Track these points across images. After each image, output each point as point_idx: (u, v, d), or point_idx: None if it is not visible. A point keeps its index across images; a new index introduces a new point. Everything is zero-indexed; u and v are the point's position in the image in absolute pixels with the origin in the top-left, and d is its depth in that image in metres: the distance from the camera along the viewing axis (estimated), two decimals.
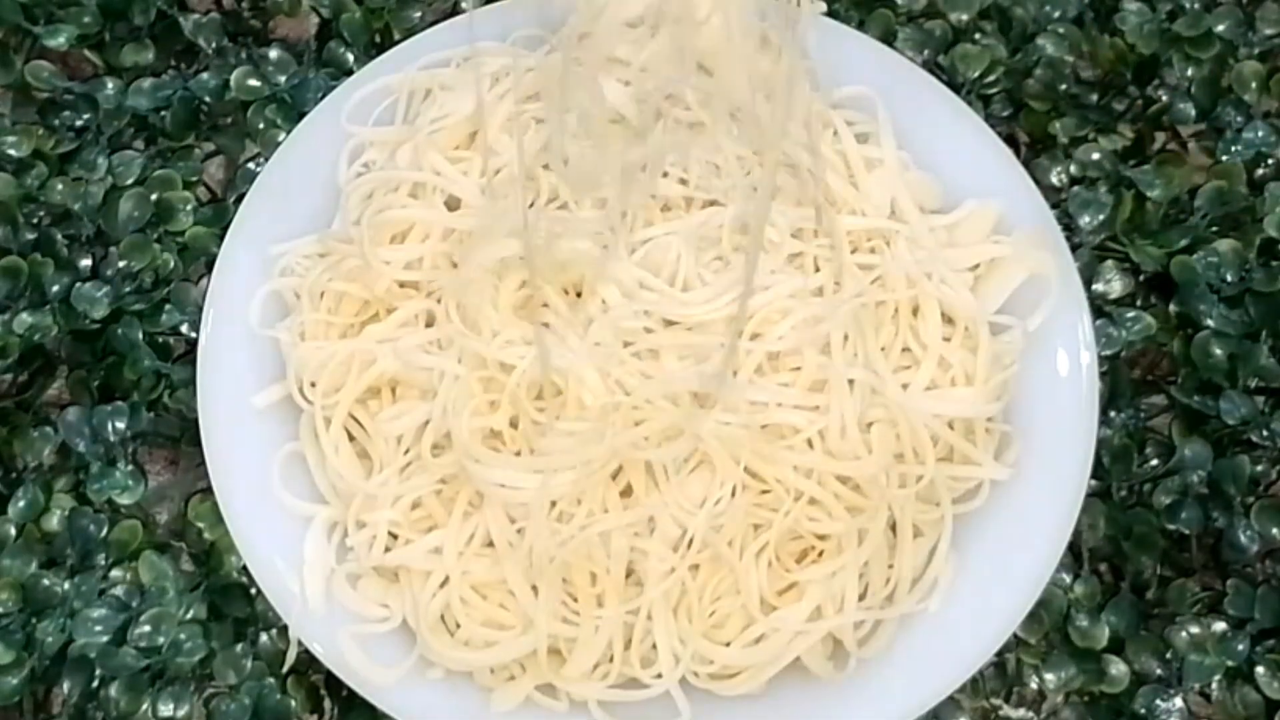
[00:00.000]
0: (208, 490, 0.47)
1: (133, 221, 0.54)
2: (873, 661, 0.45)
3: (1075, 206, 0.55)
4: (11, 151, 0.56)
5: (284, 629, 0.47)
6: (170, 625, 0.49)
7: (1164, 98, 0.57)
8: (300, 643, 0.46)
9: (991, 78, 0.57)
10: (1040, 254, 0.49)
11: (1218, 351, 0.52)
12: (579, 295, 0.46)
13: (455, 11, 0.58)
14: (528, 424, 0.44)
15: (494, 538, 0.44)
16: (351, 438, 0.47)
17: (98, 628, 0.49)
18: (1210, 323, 0.53)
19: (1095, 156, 0.56)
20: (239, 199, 0.51)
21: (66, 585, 0.49)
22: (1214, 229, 0.55)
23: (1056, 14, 0.58)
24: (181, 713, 0.48)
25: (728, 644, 0.44)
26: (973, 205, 0.50)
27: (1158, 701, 0.48)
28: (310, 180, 0.51)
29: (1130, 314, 0.53)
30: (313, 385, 0.47)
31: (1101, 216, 0.55)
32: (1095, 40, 0.58)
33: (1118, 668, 0.48)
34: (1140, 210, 0.55)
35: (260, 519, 0.46)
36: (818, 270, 0.47)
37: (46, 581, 0.49)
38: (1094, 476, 0.48)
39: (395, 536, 0.46)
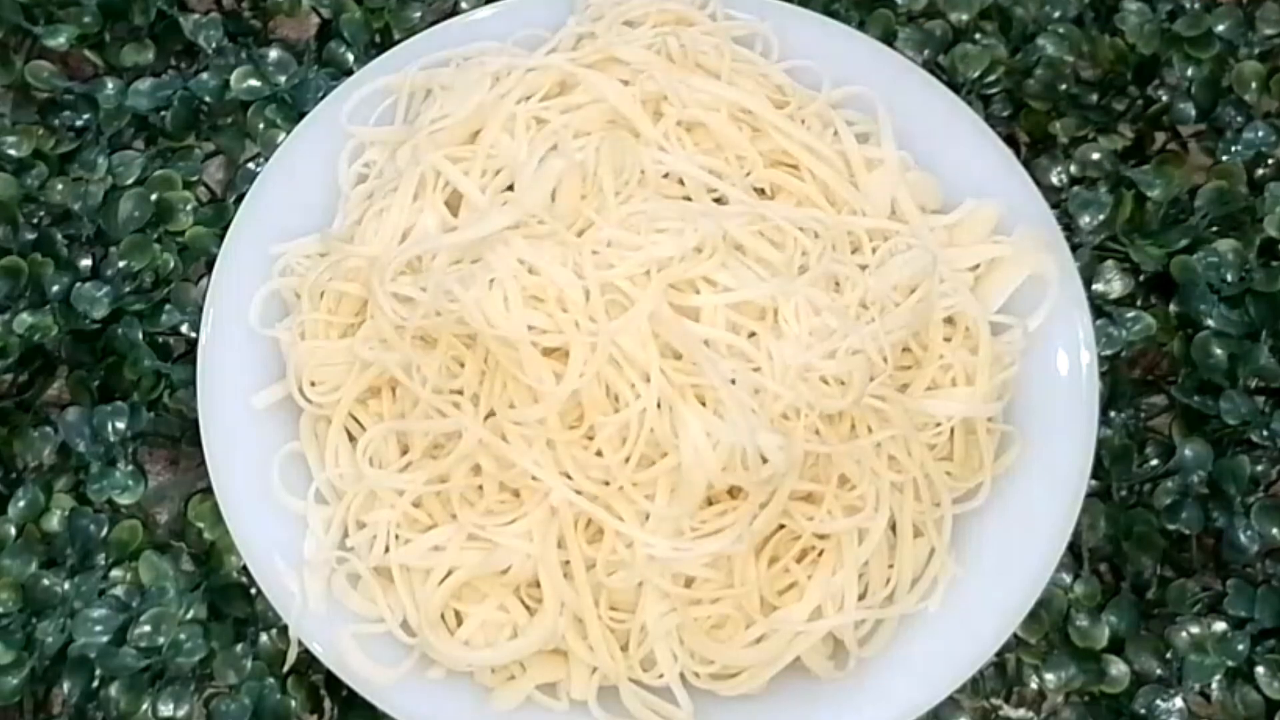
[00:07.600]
0: (208, 490, 0.47)
1: (133, 221, 0.54)
2: (873, 661, 0.45)
3: (1075, 206, 0.55)
4: (11, 151, 0.56)
5: (284, 629, 0.47)
6: (170, 625, 0.49)
7: (1164, 98, 0.57)
8: (300, 643, 0.46)
9: (991, 78, 0.57)
10: (1040, 254, 0.49)
11: (1218, 351, 0.52)
12: None
13: (455, 11, 0.58)
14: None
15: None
16: (352, 438, 0.47)
17: (98, 628, 0.49)
18: (1210, 323, 0.53)
19: (1095, 156, 0.56)
20: (239, 199, 0.51)
21: (66, 585, 0.49)
22: (1214, 229, 0.55)
23: (1056, 14, 0.58)
24: (181, 713, 0.48)
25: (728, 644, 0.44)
26: (973, 205, 0.50)
27: (1158, 701, 0.48)
28: (310, 180, 0.51)
29: (1130, 314, 0.53)
30: (313, 385, 0.47)
31: (1101, 216, 0.55)
32: (1095, 40, 0.58)
33: (1118, 668, 0.48)
34: (1140, 210, 0.55)
35: (260, 519, 0.46)
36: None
37: (46, 581, 0.49)
38: (1094, 476, 0.48)
39: (396, 536, 0.46)
